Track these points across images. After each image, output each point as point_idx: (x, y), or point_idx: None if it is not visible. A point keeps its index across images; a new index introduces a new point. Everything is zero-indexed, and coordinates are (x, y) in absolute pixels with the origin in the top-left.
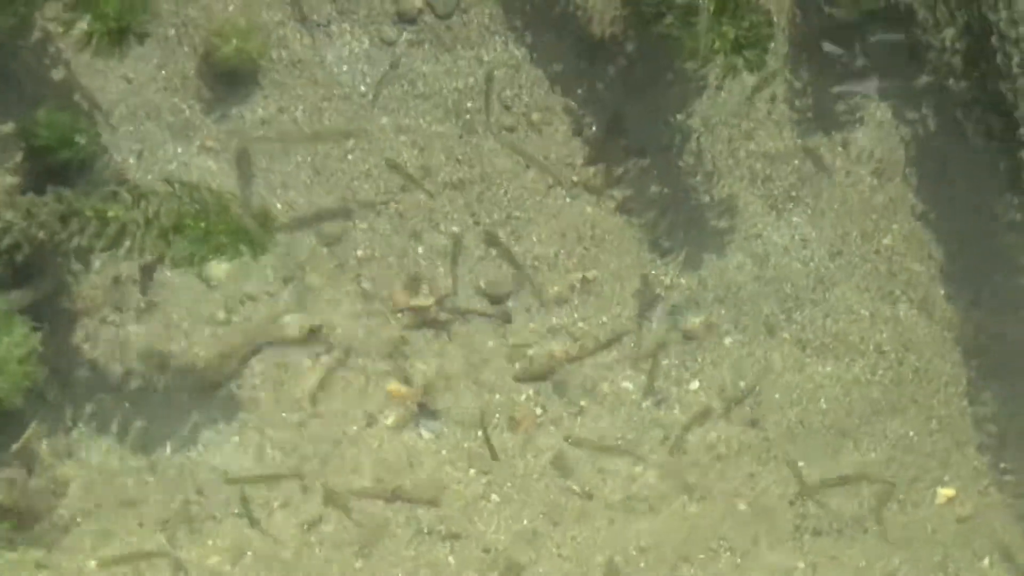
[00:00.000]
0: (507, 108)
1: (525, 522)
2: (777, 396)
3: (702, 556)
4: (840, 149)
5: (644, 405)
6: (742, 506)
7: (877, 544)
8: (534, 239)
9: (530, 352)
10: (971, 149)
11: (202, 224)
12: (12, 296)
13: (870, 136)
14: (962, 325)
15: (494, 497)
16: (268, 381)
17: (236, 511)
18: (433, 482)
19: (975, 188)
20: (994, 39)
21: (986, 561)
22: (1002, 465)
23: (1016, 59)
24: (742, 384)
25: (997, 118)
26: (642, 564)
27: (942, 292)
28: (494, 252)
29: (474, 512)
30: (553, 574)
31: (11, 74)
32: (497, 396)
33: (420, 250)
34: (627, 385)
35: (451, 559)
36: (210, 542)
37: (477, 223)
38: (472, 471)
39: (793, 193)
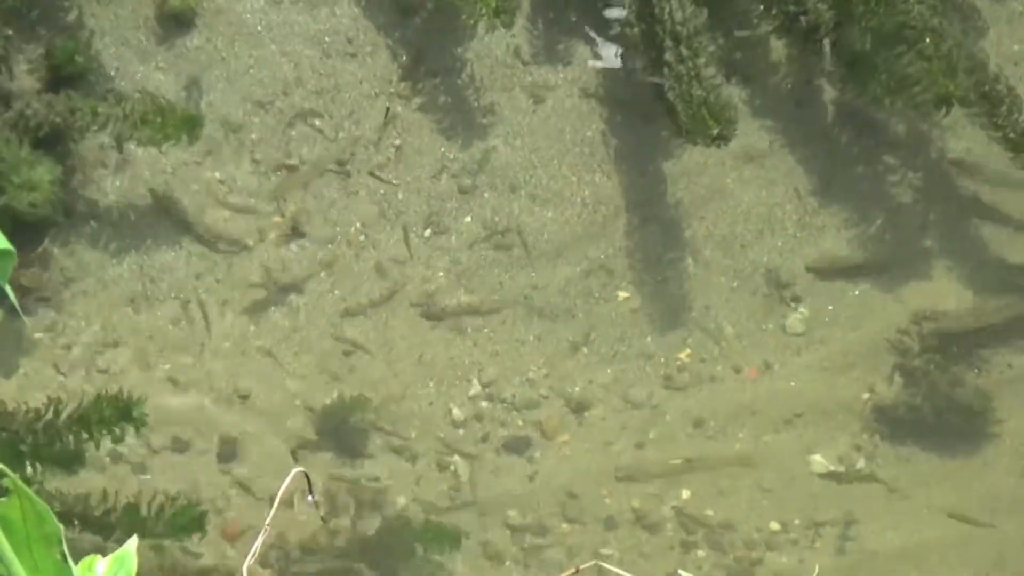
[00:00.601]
0: (349, 42)
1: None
2: (518, 230)
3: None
4: (561, 77)
5: (426, 232)
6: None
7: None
8: (366, 126)
9: (360, 194)
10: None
11: (158, 120)
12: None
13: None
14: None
15: (337, 292)
16: (197, 208)
17: (176, 296)
18: (299, 280)
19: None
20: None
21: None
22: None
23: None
24: (496, 219)
25: None
26: None
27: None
28: (342, 136)
29: (325, 301)
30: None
31: (41, 16)
32: (338, 227)
33: (293, 135)
34: (415, 212)
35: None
36: (159, 313)
37: (330, 116)
38: (323, 274)
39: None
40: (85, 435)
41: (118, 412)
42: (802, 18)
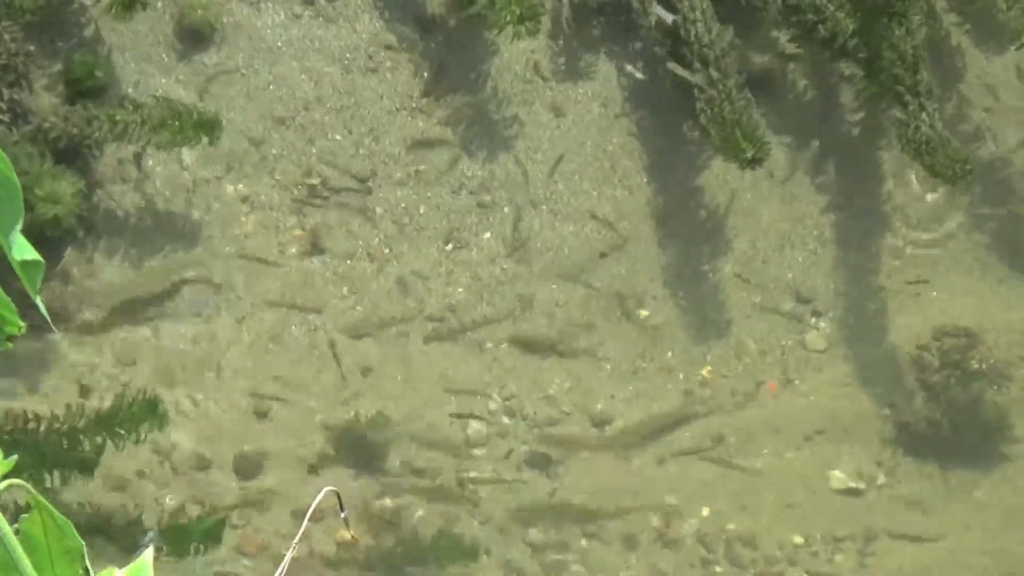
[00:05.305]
0: (370, 58)
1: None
2: (539, 245)
3: None
4: (581, 92)
5: (447, 248)
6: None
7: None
8: (387, 142)
9: (379, 210)
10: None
11: (176, 123)
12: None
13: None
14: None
15: (358, 308)
16: (217, 224)
17: (197, 313)
18: (319, 295)
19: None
20: None
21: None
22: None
23: None
24: (517, 236)
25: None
26: None
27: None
28: (362, 151)
29: (345, 316)
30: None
31: (59, 32)
32: (360, 241)
33: (313, 151)
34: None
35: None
36: (178, 330)
37: (350, 132)
38: (345, 289)
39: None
40: (106, 437)
41: (144, 410)
42: (820, 27)
